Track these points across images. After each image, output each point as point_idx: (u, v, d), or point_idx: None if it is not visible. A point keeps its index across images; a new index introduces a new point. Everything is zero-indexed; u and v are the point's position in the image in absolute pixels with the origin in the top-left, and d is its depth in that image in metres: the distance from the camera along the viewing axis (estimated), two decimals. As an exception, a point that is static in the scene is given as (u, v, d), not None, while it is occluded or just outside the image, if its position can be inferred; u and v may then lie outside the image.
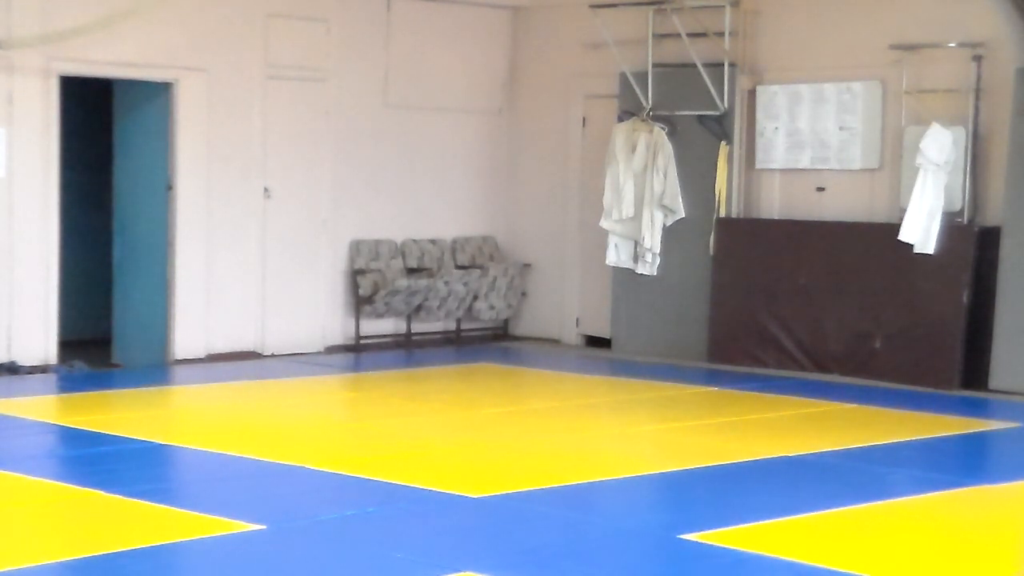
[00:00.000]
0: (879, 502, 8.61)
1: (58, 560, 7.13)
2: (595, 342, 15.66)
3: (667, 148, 14.68)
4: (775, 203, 14.46)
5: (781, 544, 7.61)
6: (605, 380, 13.73)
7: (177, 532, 7.61)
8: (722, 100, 14.41)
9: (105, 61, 13.32)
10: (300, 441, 10.26)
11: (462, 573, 6.92)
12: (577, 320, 15.88)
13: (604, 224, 15.01)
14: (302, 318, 14.65)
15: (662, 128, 14.70)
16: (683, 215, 14.69)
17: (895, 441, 10.67)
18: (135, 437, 10.09)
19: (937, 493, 8.95)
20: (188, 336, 13.83)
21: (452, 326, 15.81)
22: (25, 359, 12.98)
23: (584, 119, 15.75)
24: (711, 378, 13.69)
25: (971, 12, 13.25)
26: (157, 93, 13.75)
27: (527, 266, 16.08)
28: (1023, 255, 12.83)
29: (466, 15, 15.81)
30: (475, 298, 15.55)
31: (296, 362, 14.11)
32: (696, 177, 14.62)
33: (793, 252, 14.05)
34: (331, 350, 14.86)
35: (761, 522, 8.03)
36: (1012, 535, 8.10)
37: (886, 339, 13.43)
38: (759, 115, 14.37)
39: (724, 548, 7.50)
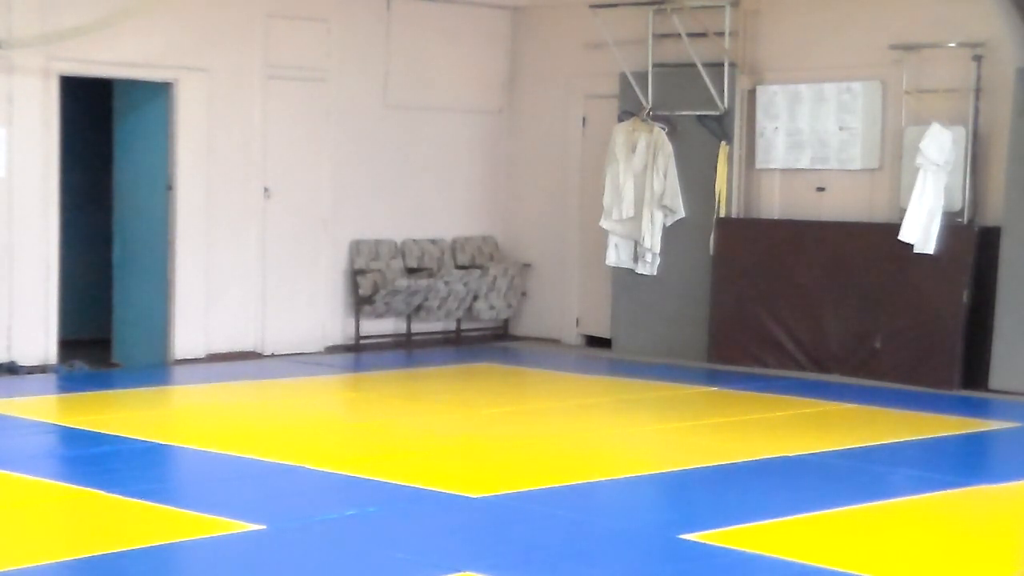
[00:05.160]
0: (879, 502, 8.62)
1: (58, 560, 7.13)
2: (595, 342, 15.66)
3: (667, 148, 14.68)
4: (775, 203, 14.46)
5: (781, 544, 7.61)
6: (605, 380, 13.73)
7: (177, 532, 7.61)
8: (722, 100, 14.41)
9: (105, 61, 13.32)
10: (300, 441, 10.27)
11: (462, 573, 6.92)
12: (577, 320, 15.88)
13: (604, 224, 15.01)
14: (302, 318, 14.65)
15: (662, 128, 14.70)
16: (683, 215, 14.69)
17: (895, 441, 10.67)
18: (135, 437, 10.09)
19: (937, 493, 8.95)
20: (188, 336, 13.83)
21: (452, 326, 15.81)
22: (25, 359, 12.98)
23: (584, 119, 15.75)
24: (711, 378, 13.69)
25: (971, 12, 13.25)
26: (157, 93, 13.75)
27: (527, 266, 16.08)
28: (1023, 255, 12.83)
29: (466, 15, 15.82)
30: (475, 298, 15.55)
31: (296, 362, 14.11)
32: (696, 177, 14.62)
33: (793, 252, 14.04)
34: (331, 350, 14.86)
35: (761, 522, 8.03)
36: (1012, 535, 8.10)
37: (886, 339, 13.43)
38: (759, 115, 14.37)
39: (724, 548, 7.50)
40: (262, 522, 7.77)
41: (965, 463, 10.38)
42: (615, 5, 14.90)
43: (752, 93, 14.47)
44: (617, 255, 15.05)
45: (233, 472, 9.28)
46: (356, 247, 15.04)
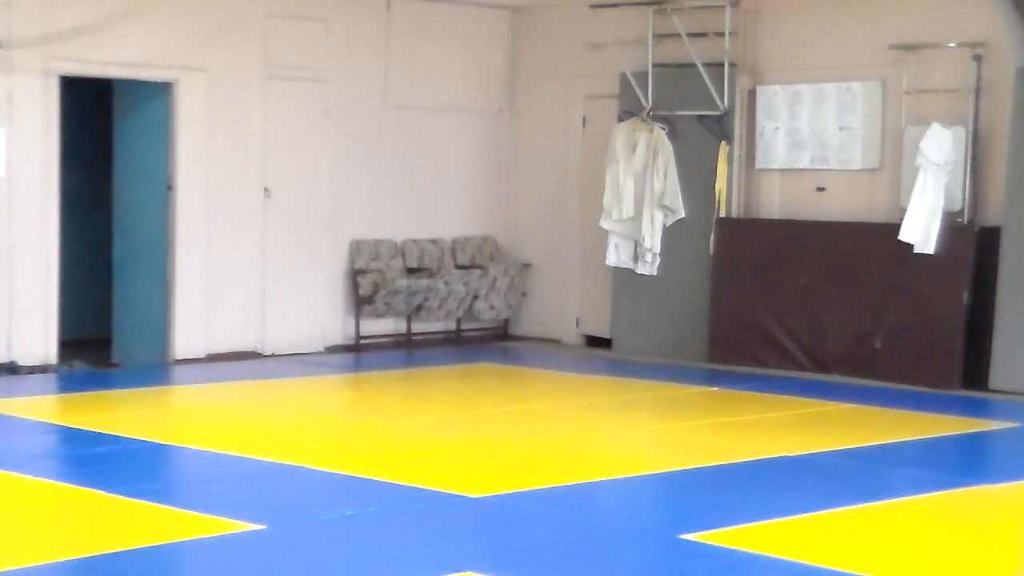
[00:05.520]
0: (879, 502, 8.61)
1: (58, 560, 7.13)
2: (595, 342, 15.66)
3: (667, 148, 14.68)
4: (775, 203, 14.47)
5: (781, 544, 7.61)
6: (605, 380, 13.73)
7: (177, 532, 7.61)
8: (722, 100, 14.41)
9: (105, 61, 13.32)
10: (300, 441, 10.27)
11: (462, 573, 6.92)
12: (577, 320, 15.88)
13: (604, 224, 15.01)
14: (302, 318, 14.65)
15: (662, 128, 14.70)
16: (683, 215, 14.69)
17: (895, 441, 10.67)
18: (135, 437, 10.09)
19: (937, 493, 8.95)
20: (188, 336, 13.83)
21: (452, 326, 15.81)
22: (25, 359, 12.98)
23: (584, 119, 15.75)
24: (711, 378, 13.69)
25: (971, 12, 13.25)
26: (157, 93, 13.75)
27: (527, 266, 16.09)
28: (1023, 255, 12.83)
29: (466, 15, 15.81)
30: (475, 298, 15.55)
31: (296, 362, 14.11)
32: (696, 177, 14.62)
33: (793, 252, 14.04)
34: (331, 350, 14.86)
35: (761, 522, 8.03)
36: (1012, 535, 8.10)
37: (886, 339, 13.43)
38: (759, 115, 14.37)
39: (724, 548, 7.50)
40: (262, 522, 7.77)
41: (965, 463, 10.38)
42: (615, 5, 14.90)
43: (752, 93, 14.47)
44: (617, 255, 15.05)
45: (233, 472, 9.28)
46: (356, 247, 15.05)
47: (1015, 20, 12.98)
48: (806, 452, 10.08)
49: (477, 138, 16.07)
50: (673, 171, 14.68)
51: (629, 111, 14.96)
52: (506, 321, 16.16)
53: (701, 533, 7.73)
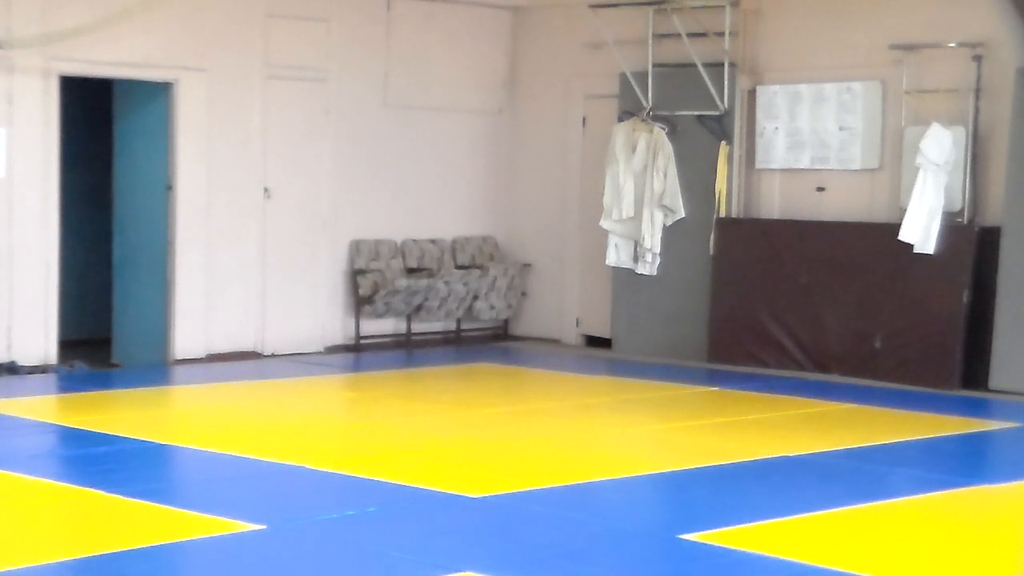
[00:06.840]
0: (879, 502, 8.62)
1: (58, 560, 7.13)
2: (595, 342, 15.66)
3: (667, 148, 14.68)
4: (775, 203, 14.47)
5: (781, 544, 7.61)
6: (605, 380, 13.72)
7: (177, 532, 7.62)
8: (722, 100, 14.41)
9: (105, 61, 13.32)
10: (300, 441, 10.26)
11: (462, 573, 6.92)
12: (577, 320, 15.88)
13: (604, 224, 15.01)
14: (302, 318, 14.65)
15: (662, 128, 14.70)
16: (683, 215, 14.69)
17: (895, 441, 10.67)
18: (135, 437, 10.09)
19: (937, 493, 8.96)
20: (188, 336, 13.83)
21: (452, 326, 15.81)
22: (25, 359, 12.98)
23: (584, 119, 15.75)
24: (711, 378, 13.69)
25: (971, 12, 13.25)
26: (157, 93, 13.75)
27: (527, 266, 16.09)
28: (1023, 255, 12.83)
29: (466, 15, 15.82)
30: (475, 298, 15.55)
31: (296, 362, 14.10)
32: (696, 177, 14.62)
33: (793, 252, 14.04)
34: (331, 350, 14.86)
35: (761, 522, 8.03)
36: (1012, 535, 8.10)
37: (886, 339, 13.43)
38: (759, 115, 14.37)
39: (724, 548, 7.50)
40: (262, 522, 7.77)
41: (965, 463, 10.38)
42: (615, 5, 14.89)
43: (752, 93, 14.47)
44: (617, 255, 15.05)
45: (233, 472, 9.28)
46: (356, 247, 15.05)
47: (1015, 20, 12.98)
48: (806, 452, 10.08)
49: (477, 138, 16.07)
50: (673, 171, 14.69)
51: (629, 111, 14.96)
52: (506, 321, 16.16)
53: (701, 533, 7.73)
